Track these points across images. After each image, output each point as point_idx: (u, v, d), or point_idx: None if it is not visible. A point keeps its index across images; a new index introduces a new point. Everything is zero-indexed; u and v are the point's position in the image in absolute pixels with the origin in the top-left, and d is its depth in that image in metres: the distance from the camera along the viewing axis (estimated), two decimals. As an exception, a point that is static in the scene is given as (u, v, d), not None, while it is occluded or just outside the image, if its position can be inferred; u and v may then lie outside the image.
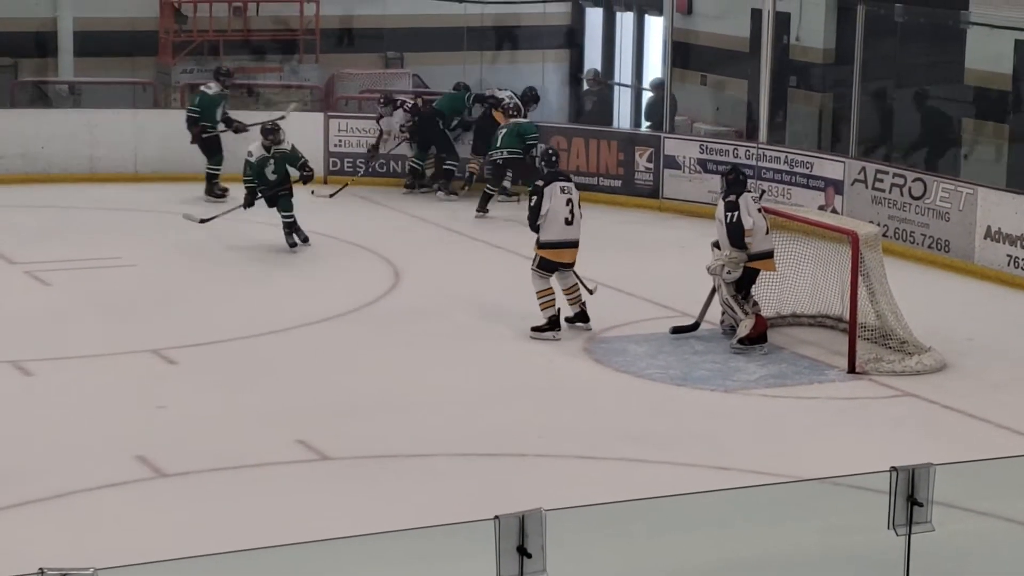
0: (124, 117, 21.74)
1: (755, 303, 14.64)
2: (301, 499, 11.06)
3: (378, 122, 21.29)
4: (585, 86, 25.16)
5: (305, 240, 18.04)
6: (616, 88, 25.67)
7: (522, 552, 6.64)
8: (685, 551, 7.78)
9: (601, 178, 20.98)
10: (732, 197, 14.48)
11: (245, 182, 18.09)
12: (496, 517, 6.63)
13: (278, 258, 17.81)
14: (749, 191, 14.85)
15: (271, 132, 18.04)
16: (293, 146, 18.12)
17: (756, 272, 14.63)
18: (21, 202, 20.15)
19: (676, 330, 14.92)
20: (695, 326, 14.93)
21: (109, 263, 17.18)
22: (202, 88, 20.73)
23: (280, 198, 17.93)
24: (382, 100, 21.41)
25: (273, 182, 17.92)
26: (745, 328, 14.36)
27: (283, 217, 17.96)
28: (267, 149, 17.92)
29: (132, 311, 15.50)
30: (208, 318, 15.29)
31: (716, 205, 14.94)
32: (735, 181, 14.61)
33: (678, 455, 12.01)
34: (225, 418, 12.65)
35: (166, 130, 21.65)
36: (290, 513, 10.76)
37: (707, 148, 20.36)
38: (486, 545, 6.64)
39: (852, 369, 13.98)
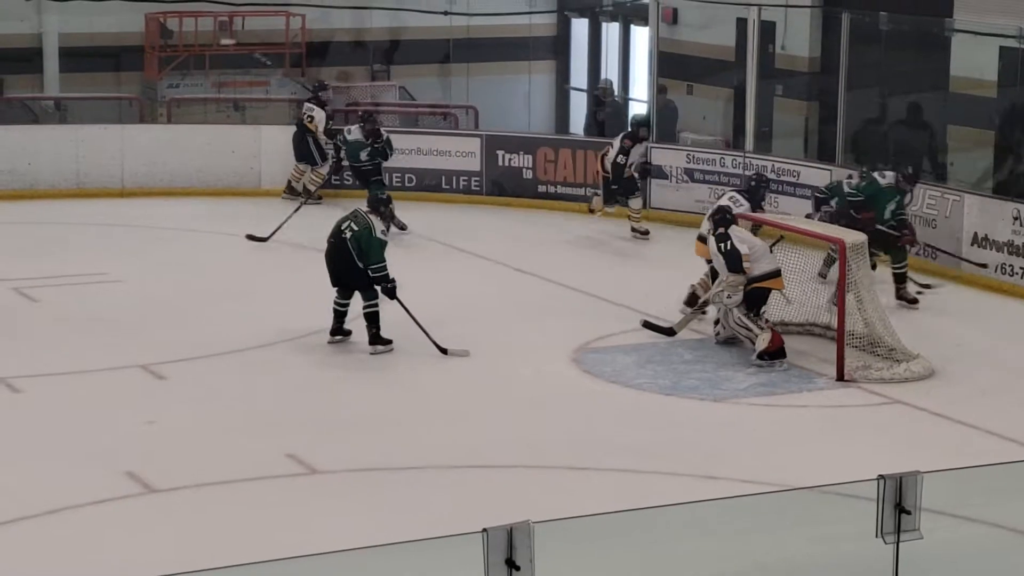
0: (111, 132, 21.71)
1: (767, 320, 14.62)
2: (291, 513, 11.05)
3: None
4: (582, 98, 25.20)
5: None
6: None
7: (511, 565, 6.65)
8: (675, 562, 7.78)
9: (588, 188, 20.98)
10: (721, 230, 14.55)
11: (382, 269, 14.56)
12: (484, 530, 6.63)
13: (265, 272, 17.79)
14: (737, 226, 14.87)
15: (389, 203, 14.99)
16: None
17: (767, 291, 14.62)
18: (8, 218, 20.12)
19: (647, 325, 14.98)
20: (670, 332, 14.94)
21: (96, 279, 17.16)
22: (874, 174, 16.97)
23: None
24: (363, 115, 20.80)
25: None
26: (764, 342, 14.32)
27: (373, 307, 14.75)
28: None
29: (119, 326, 15.47)
30: (196, 332, 15.26)
31: (709, 226, 14.94)
32: (722, 220, 14.65)
33: (667, 465, 12.01)
34: (214, 433, 12.64)
35: (152, 145, 21.66)
36: (280, 527, 10.75)
37: (694, 157, 20.39)
38: (474, 558, 6.64)
39: (841, 377, 14.00)
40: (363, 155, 19.59)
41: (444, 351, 14.50)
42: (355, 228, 14.56)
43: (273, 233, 18.34)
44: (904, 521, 7.44)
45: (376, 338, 14.61)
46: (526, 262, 17.89)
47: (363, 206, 14.85)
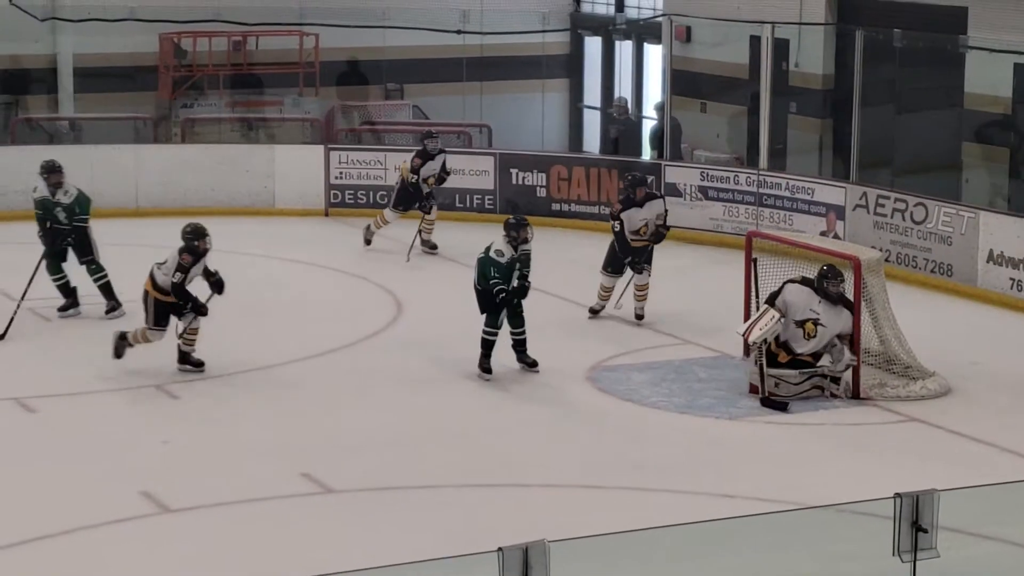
0: (125, 152, 21.79)
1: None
2: (306, 532, 11.03)
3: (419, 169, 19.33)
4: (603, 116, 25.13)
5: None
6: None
7: (526, 584, 6.63)
8: (690, 580, 7.76)
9: (602, 206, 20.99)
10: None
11: (494, 285, 14.52)
12: (500, 549, 6.62)
13: (279, 291, 17.80)
14: None
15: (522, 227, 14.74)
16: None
17: None
18: (22, 238, 20.12)
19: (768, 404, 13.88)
20: (784, 406, 13.86)
21: (111, 298, 17.15)
22: None
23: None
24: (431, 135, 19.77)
25: None
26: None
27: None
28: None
29: (134, 346, 15.46)
30: (210, 352, 15.27)
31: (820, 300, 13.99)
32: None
33: (683, 483, 11.99)
34: (229, 452, 12.64)
35: (166, 165, 21.72)
36: (295, 547, 10.74)
37: (708, 175, 20.39)
38: (490, 577, 6.62)
39: (856, 395, 13.96)
40: (60, 215, 16.66)
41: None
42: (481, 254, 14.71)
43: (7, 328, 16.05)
44: (921, 539, 7.42)
45: (482, 362, 14.50)
46: (540, 280, 17.84)
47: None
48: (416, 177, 19.24)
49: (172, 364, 14.77)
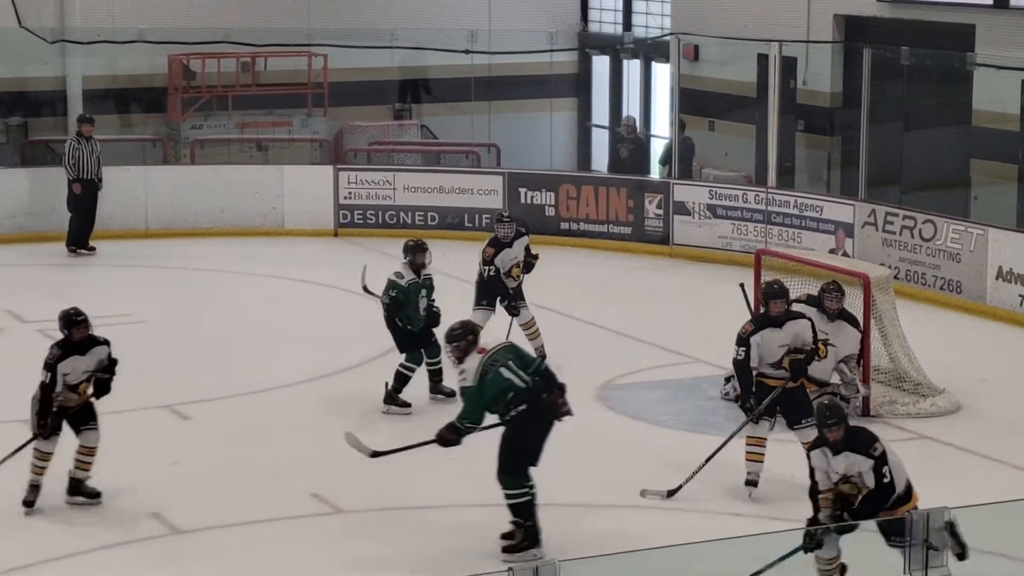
0: (134, 174, 21.84)
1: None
2: (316, 553, 11.04)
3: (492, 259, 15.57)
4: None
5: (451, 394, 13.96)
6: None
7: (537, 604, 6.64)
8: (702, 599, 7.76)
9: (611, 225, 21.02)
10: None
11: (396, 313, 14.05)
12: (510, 569, 6.63)
13: (287, 312, 17.81)
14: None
15: (419, 250, 14.15)
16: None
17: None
18: (33, 260, 20.21)
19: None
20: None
21: (120, 320, 17.15)
22: None
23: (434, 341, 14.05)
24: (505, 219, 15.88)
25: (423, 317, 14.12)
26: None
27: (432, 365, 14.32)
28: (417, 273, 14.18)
29: (144, 367, 15.46)
30: (220, 373, 15.29)
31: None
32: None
33: (693, 502, 11.97)
34: (239, 473, 12.64)
35: (176, 186, 21.76)
36: (306, 567, 10.75)
37: (716, 194, 20.40)
38: (501, 597, 6.63)
39: (866, 412, 13.94)
40: None
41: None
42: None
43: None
44: (932, 557, 7.42)
45: (395, 397, 14.13)
46: (549, 299, 17.88)
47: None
48: (489, 270, 15.59)
49: (182, 384, 14.77)
